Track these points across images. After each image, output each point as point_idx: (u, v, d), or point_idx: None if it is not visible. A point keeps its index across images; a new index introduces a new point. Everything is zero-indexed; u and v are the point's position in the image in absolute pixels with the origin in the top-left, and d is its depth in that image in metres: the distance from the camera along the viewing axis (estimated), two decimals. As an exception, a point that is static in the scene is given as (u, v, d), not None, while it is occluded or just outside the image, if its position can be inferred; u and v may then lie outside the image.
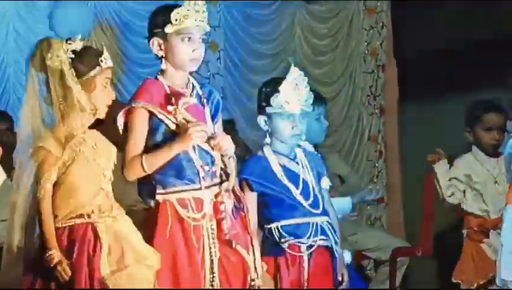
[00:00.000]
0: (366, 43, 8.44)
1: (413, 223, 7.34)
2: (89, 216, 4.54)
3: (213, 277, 4.82)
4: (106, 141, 4.72)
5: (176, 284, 4.74)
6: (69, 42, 4.59)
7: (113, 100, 4.74)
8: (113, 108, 4.84)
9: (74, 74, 4.53)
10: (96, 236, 4.53)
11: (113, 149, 4.73)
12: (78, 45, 4.59)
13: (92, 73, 4.59)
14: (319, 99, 6.17)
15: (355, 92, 8.48)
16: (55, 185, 4.52)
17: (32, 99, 4.57)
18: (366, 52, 8.42)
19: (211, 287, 4.79)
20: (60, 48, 4.56)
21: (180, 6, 4.81)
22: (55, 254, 4.41)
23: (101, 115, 4.66)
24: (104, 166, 4.66)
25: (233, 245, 4.85)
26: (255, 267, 4.91)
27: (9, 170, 6.75)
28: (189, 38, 4.83)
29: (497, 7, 7.65)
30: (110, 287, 4.47)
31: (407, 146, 8.23)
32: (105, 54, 4.64)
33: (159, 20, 4.87)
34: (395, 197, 8.11)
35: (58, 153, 4.48)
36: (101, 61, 4.61)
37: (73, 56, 4.55)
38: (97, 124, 4.70)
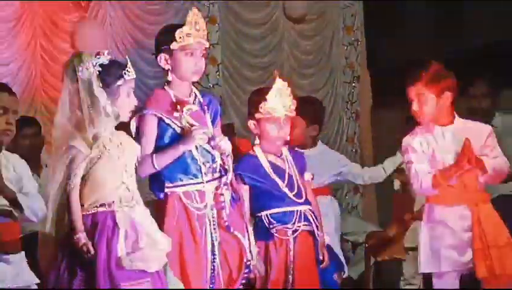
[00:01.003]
0: (345, 58, 8.42)
1: (384, 211, 7.36)
2: (109, 205, 4.51)
3: (214, 258, 4.85)
4: (131, 141, 4.69)
5: (182, 265, 4.77)
6: (97, 56, 4.55)
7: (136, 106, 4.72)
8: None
9: (101, 84, 4.50)
10: (115, 223, 4.49)
11: (137, 147, 4.71)
12: (105, 59, 4.55)
13: (117, 83, 4.55)
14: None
15: (337, 99, 8.43)
16: (83, 178, 4.49)
17: (66, 106, 4.54)
18: (345, 65, 8.41)
19: (212, 267, 4.83)
20: (90, 61, 4.54)
21: (183, 26, 4.83)
22: (81, 237, 4.41)
23: (125, 119, 4.63)
24: (127, 163, 4.61)
25: (231, 230, 4.88)
26: (250, 250, 4.94)
27: (36, 167, 6.85)
28: (192, 53, 4.84)
29: (459, 25, 7.67)
30: (126, 266, 4.46)
31: (378, 146, 8.24)
32: (129, 67, 4.60)
33: (165, 38, 4.88)
34: (369, 189, 8.12)
35: (87, 152, 4.46)
36: (125, 73, 4.57)
37: (100, 69, 4.52)
38: (126, 126, 4.72)
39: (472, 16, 7.67)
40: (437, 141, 5.10)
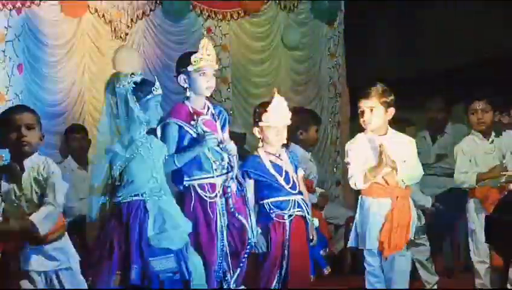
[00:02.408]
0: (329, 78, 8.36)
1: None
2: (141, 195, 4.49)
3: (222, 236, 4.81)
4: (159, 143, 4.67)
5: (198, 242, 4.72)
6: (132, 76, 4.54)
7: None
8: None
9: (135, 98, 4.49)
10: (146, 209, 4.48)
11: (164, 148, 4.68)
12: (138, 78, 4.53)
13: (147, 97, 4.52)
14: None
15: (323, 111, 8.36)
16: (120, 173, 4.48)
17: (107, 115, 4.53)
18: (330, 83, 8.35)
19: (221, 244, 4.79)
20: (126, 79, 4.52)
21: (197, 52, 4.82)
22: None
23: (154, 125, 4.62)
24: (156, 161, 4.58)
25: (236, 215, 4.85)
26: (252, 230, 4.91)
27: (84, 164, 6.78)
28: (204, 73, 4.82)
29: (421, 50, 7.61)
30: (154, 245, 4.44)
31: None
32: (157, 84, 4.58)
33: (183, 62, 4.87)
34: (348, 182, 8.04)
35: (123, 153, 4.45)
36: (153, 89, 4.54)
37: (134, 86, 4.50)
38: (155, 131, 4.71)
39: (429, 42, 7.61)
40: (374, 147, 5.00)
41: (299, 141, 5.96)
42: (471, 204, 5.77)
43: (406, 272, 5.12)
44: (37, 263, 4.22)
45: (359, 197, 5.14)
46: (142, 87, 4.53)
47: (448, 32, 7.56)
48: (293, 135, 5.91)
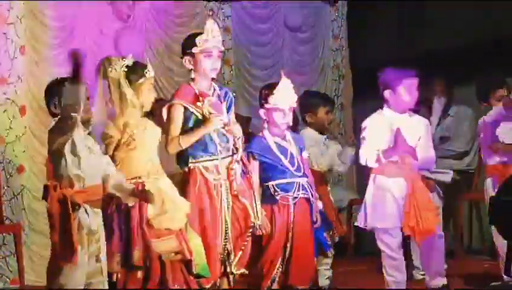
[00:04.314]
0: (333, 60, 8.36)
1: (362, 183, 7.28)
2: (140, 178, 4.49)
3: (226, 219, 4.81)
4: (154, 125, 4.65)
5: (202, 222, 4.73)
6: (123, 59, 4.53)
7: (155, 98, 4.69)
8: (162, 103, 4.84)
9: (127, 82, 4.48)
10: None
11: (159, 131, 4.67)
12: (129, 61, 4.52)
13: (140, 81, 4.52)
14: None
15: (326, 93, 8.38)
16: (119, 157, 4.48)
17: (101, 101, 4.50)
18: (333, 66, 8.35)
19: (226, 225, 4.79)
20: (117, 63, 4.51)
21: (202, 34, 4.80)
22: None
23: (147, 108, 4.59)
24: (152, 143, 4.60)
25: (240, 197, 4.85)
26: (256, 212, 4.90)
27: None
28: (209, 55, 4.81)
29: (422, 32, 7.59)
30: (155, 226, 4.45)
31: (358, 129, 8.18)
32: (149, 67, 4.58)
33: (188, 44, 4.85)
34: (351, 167, 8.01)
35: (118, 137, 4.46)
36: (146, 72, 4.54)
37: (126, 69, 4.49)
38: (149, 114, 4.65)
39: (434, 23, 7.59)
40: (391, 128, 5.10)
41: (309, 124, 5.90)
42: (489, 182, 5.75)
43: (443, 252, 5.19)
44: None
45: (371, 176, 5.16)
46: (134, 71, 4.52)
47: (450, 14, 7.54)
48: (302, 117, 5.90)
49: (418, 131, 5.18)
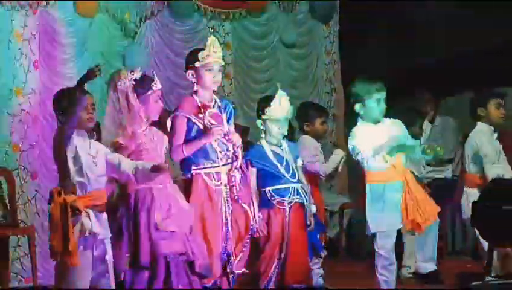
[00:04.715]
0: (326, 74, 8.35)
1: (353, 189, 7.29)
2: (148, 184, 4.48)
3: (226, 222, 4.81)
4: (161, 134, 4.67)
5: (204, 225, 4.74)
6: (132, 73, 4.54)
7: (162, 109, 4.71)
8: (165, 115, 4.84)
9: (135, 94, 4.49)
10: (153, 197, 4.50)
11: (166, 139, 4.68)
12: (138, 75, 4.54)
13: (147, 93, 4.54)
14: None
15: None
16: None
17: (111, 111, 4.52)
18: (326, 79, 8.35)
19: (226, 228, 4.79)
20: (126, 76, 4.52)
21: (204, 49, 4.82)
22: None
23: (155, 119, 4.61)
24: (159, 151, 4.61)
25: (240, 202, 4.86)
26: (254, 216, 4.91)
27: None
28: (211, 69, 4.81)
29: (410, 48, 7.60)
30: (161, 228, 4.45)
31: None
32: (156, 80, 4.59)
33: (191, 59, 4.86)
34: (343, 172, 8.01)
35: (127, 145, 4.45)
36: (153, 85, 4.56)
37: (134, 82, 4.50)
38: (155, 124, 4.68)
39: (420, 39, 7.61)
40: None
41: (306, 132, 5.95)
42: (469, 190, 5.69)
43: (437, 239, 5.22)
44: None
45: (367, 186, 5.07)
46: (142, 84, 4.54)
47: (436, 31, 7.57)
48: (301, 127, 5.93)
49: (394, 131, 5.06)
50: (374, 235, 5.07)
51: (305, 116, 5.93)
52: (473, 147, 5.60)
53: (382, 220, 5.03)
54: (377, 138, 4.96)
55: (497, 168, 5.49)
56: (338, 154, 5.96)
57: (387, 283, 5.07)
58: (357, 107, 5.06)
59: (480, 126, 5.63)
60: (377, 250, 5.08)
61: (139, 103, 4.50)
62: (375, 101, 5.01)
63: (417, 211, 4.99)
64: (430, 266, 5.21)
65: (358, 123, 5.09)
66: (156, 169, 4.38)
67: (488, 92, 5.70)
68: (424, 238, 5.20)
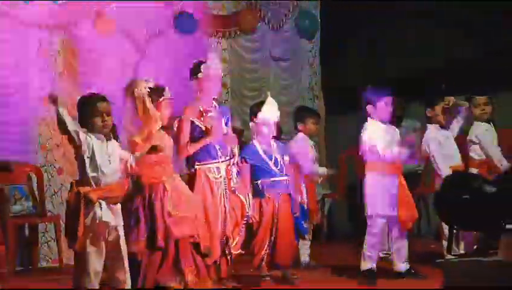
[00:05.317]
0: (309, 83, 8.33)
1: (333, 179, 7.30)
2: (160, 178, 4.51)
3: (225, 210, 4.83)
4: (168, 137, 4.67)
5: (206, 213, 4.74)
6: (146, 81, 4.54)
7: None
8: (173, 118, 4.84)
9: (150, 100, 4.48)
10: (165, 189, 4.51)
11: (171, 140, 4.68)
12: (151, 84, 4.54)
13: (159, 99, 4.55)
14: None
15: None
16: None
17: (129, 114, 4.51)
18: (309, 88, 8.32)
19: (224, 216, 4.80)
20: (142, 85, 4.51)
21: (205, 62, 4.82)
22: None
23: (164, 123, 4.61)
24: (168, 150, 4.61)
25: (236, 193, 4.89)
26: (249, 205, 4.95)
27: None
28: (211, 79, 4.83)
29: (382, 60, 7.60)
30: (173, 215, 4.47)
31: (329, 139, 8.20)
32: (166, 89, 4.60)
33: (195, 70, 4.87)
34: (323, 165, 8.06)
35: (143, 144, 4.44)
36: (164, 93, 4.58)
37: (149, 90, 4.50)
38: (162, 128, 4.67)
39: (385, 58, 7.62)
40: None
41: (301, 131, 5.90)
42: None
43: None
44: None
45: (368, 174, 5.11)
46: (155, 91, 4.53)
47: (405, 46, 7.58)
48: (295, 126, 5.92)
49: (395, 136, 5.19)
50: (368, 217, 5.09)
51: (299, 117, 5.92)
52: (424, 145, 5.62)
53: (381, 205, 5.05)
54: (384, 133, 5.08)
55: (446, 161, 5.51)
56: (323, 172, 5.98)
57: (371, 259, 5.09)
58: (369, 108, 5.15)
59: (429, 128, 5.65)
60: (370, 229, 5.08)
61: (153, 108, 4.50)
62: (383, 103, 5.11)
63: (407, 206, 5.06)
64: (406, 265, 5.20)
65: (368, 120, 5.16)
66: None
67: (435, 96, 5.75)
68: (401, 239, 5.18)
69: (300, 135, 5.89)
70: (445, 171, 5.36)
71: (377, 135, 5.09)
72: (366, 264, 5.08)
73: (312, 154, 5.87)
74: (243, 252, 4.99)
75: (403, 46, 7.54)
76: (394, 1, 7.32)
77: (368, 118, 5.17)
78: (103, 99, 4.20)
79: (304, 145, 5.77)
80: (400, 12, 7.35)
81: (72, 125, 4.04)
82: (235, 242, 4.87)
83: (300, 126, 5.93)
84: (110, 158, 4.14)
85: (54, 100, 4.03)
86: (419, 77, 7.05)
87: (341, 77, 7.86)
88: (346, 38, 7.88)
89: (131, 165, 4.29)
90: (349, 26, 7.64)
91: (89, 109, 4.10)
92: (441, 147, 5.54)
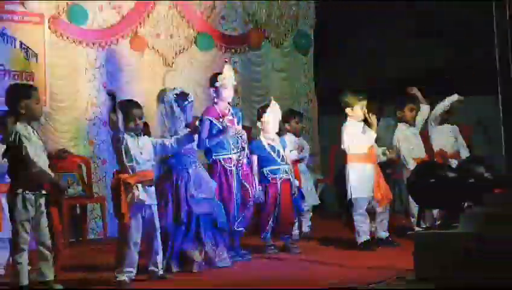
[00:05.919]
0: (304, 90, 8.26)
1: (325, 167, 7.30)
2: (185, 165, 4.51)
3: (237, 192, 4.83)
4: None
5: (221, 195, 4.76)
6: (174, 89, 4.54)
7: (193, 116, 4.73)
8: (195, 118, 4.84)
9: (177, 104, 4.48)
10: (188, 174, 4.51)
11: (193, 136, 4.59)
12: (178, 91, 4.53)
13: (184, 104, 4.52)
14: None
15: (300, 112, 8.27)
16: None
17: (159, 117, 4.51)
18: (304, 93, 8.29)
19: (236, 197, 4.78)
20: (169, 92, 4.52)
21: (221, 73, 4.82)
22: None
23: (189, 121, 4.57)
24: (194, 144, 4.60)
25: (244, 181, 4.87)
26: (255, 189, 4.94)
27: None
28: (226, 87, 4.83)
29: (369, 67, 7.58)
30: (195, 196, 4.44)
31: (321, 136, 8.17)
32: (190, 95, 4.58)
33: (213, 80, 4.87)
34: (316, 156, 8.03)
35: (169, 141, 4.37)
36: (189, 98, 4.55)
37: (175, 96, 4.49)
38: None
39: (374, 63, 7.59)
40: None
41: (287, 130, 5.95)
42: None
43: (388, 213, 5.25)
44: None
45: (349, 164, 5.08)
46: (181, 97, 4.52)
47: (387, 58, 7.54)
48: (283, 126, 5.89)
49: (372, 133, 5.16)
50: (352, 200, 5.07)
51: (285, 118, 5.84)
52: (395, 141, 5.63)
53: (363, 190, 5.04)
54: (360, 131, 5.06)
55: (411, 154, 5.50)
56: (294, 156, 5.91)
57: (363, 231, 5.08)
58: (347, 110, 5.12)
59: (399, 126, 5.63)
60: (356, 210, 5.06)
61: (180, 111, 4.50)
62: (360, 106, 5.09)
63: (382, 190, 5.05)
64: (384, 234, 5.21)
65: (347, 121, 5.15)
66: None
67: (403, 99, 5.71)
68: (383, 213, 5.20)
69: (289, 136, 5.83)
70: (410, 162, 5.38)
71: (353, 133, 5.07)
72: (361, 238, 5.08)
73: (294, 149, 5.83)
74: (252, 225, 5.00)
75: (383, 57, 7.51)
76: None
77: (347, 119, 5.15)
78: (137, 105, 4.22)
79: (289, 143, 5.71)
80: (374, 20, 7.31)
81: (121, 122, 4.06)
82: (240, 219, 4.86)
83: (287, 126, 5.91)
84: (142, 150, 4.16)
85: (113, 96, 4.06)
86: (393, 84, 7.04)
87: (332, 85, 7.82)
88: (336, 53, 7.85)
89: (171, 144, 4.31)
90: (338, 43, 7.63)
91: (125, 113, 4.12)
92: (407, 142, 5.52)
